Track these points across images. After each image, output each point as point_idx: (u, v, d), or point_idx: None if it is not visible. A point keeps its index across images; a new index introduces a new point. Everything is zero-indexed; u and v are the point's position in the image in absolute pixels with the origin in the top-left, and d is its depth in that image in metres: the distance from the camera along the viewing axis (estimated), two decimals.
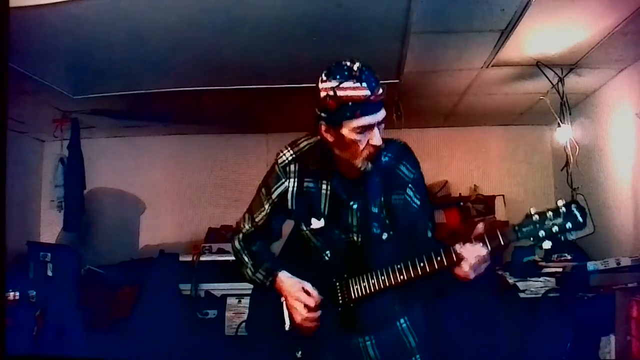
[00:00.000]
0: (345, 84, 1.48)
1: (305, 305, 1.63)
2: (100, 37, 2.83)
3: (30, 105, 3.76)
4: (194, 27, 2.76)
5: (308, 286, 1.65)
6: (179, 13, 2.61)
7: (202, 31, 2.80)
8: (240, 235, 1.77)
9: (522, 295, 3.37)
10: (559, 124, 3.66)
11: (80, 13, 2.55)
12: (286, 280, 1.67)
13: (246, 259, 1.75)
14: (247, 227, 1.76)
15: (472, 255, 1.51)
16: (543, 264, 3.52)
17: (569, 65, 3.33)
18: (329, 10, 2.62)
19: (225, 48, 3.01)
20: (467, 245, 1.52)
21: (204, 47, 3.00)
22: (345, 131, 1.51)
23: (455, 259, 1.52)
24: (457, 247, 1.52)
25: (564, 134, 3.64)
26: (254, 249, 1.75)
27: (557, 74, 3.38)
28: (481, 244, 1.51)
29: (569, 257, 3.52)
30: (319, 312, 1.64)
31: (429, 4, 2.55)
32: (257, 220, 1.74)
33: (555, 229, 1.49)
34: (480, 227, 1.54)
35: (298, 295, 1.64)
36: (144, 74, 3.38)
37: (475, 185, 4.72)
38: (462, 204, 4.61)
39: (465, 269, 1.51)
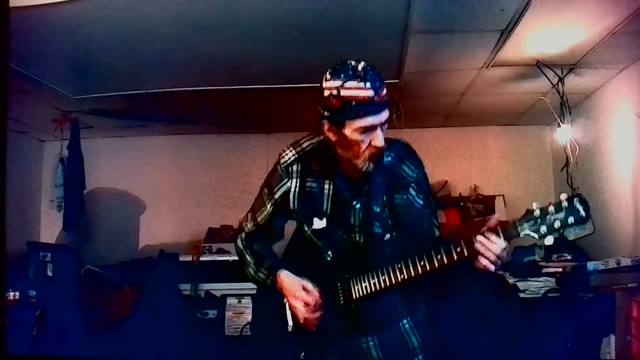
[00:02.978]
0: (349, 84, 1.47)
1: (306, 304, 1.62)
2: (100, 37, 2.83)
3: (30, 105, 3.75)
4: (194, 27, 2.76)
5: (307, 284, 1.64)
6: (178, 13, 2.61)
7: (202, 31, 2.80)
8: (243, 235, 1.78)
9: (522, 295, 3.36)
10: (559, 124, 3.66)
11: (80, 13, 2.54)
12: (286, 279, 1.66)
13: (248, 258, 1.75)
14: (249, 226, 1.76)
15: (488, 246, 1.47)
16: (543, 264, 3.50)
17: (569, 65, 3.33)
18: (329, 10, 2.62)
19: (225, 48, 3.01)
20: (480, 237, 1.48)
21: (204, 47, 3.00)
22: (347, 131, 1.50)
23: (455, 257, 1.51)
24: (463, 243, 1.50)
25: (564, 134, 3.64)
26: (256, 248, 1.76)
27: (557, 74, 3.38)
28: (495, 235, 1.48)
29: (569, 257, 3.51)
30: (319, 312, 1.63)
31: (429, 4, 2.55)
32: (259, 220, 1.74)
33: (557, 224, 1.45)
34: (493, 220, 1.51)
35: (298, 294, 1.63)
36: (144, 74, 3.38)
37: (475, 185, 4.72)
38: (462, 204, 4.59)
39: (484, 261, 1.48)
